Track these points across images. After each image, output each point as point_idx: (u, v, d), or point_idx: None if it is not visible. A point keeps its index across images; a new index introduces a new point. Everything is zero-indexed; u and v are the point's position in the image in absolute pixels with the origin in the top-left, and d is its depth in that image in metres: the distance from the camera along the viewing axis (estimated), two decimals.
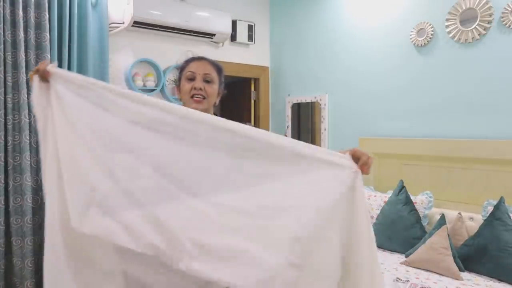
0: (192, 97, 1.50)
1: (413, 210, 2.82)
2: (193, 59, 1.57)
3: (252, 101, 4.63)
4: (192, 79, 1.51)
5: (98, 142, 1.15)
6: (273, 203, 1.11)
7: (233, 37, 4.16)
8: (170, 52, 3.79)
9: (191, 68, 1.53)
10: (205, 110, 1.49)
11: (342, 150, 1.22)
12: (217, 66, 1.59)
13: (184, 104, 1.53)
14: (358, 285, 1.11)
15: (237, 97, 4.78)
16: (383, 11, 3.46)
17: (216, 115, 1.59)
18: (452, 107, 3.02)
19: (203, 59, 1.57)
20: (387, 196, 3.06)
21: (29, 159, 2.92)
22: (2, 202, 2.85)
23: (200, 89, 1.49)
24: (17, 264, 2.89)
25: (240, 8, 4.28)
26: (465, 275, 2.38)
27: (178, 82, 1.60)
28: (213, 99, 1.55)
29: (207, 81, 1.52)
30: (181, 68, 1.58)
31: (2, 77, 2.83)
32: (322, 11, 3.99)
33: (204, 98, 1.50)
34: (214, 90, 1.54)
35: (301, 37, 4.20)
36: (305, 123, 4.32)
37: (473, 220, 2.69)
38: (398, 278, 2.30)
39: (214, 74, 1.55)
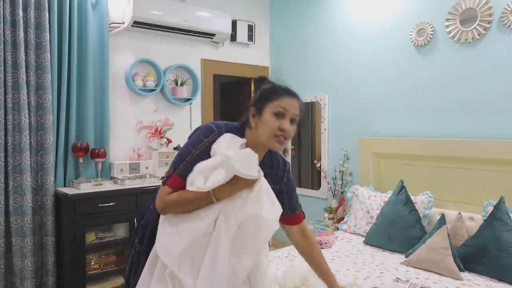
0: (276, 135, 1.39)
1: (413, 210, 2.82)
2: (286, 94, 1.43)
3: None
4: (280, 116, 1.39)
5: None
6: None
7: (233, 37, 4.16)
8: (170, 52, 3.79)
9: (283, 104, 1.39)
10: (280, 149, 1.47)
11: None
12: (302, 105, 1.47)
13: (262, 137, 1.41)
14: None
15: (237, 97, 4.78)
16: (383, 11, 3.46)
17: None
18: (452, 107, 3.02)
19: (295, 96, 1.44)
20: (387, 196, 3.06)
21: (29, 159, 2.92)
22: (2, 202, 2.85)
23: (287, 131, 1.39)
24: (17, 264, 2.89)
25: (240, 8, 4.28)
26: (465, 275, 2.37)
27: (257, 108, 1.42)
28: (291, 139, 1.48)
29: (292, 121, 1.42)
30: (269, 97, 1.42)
31: (2, 77, 2.83)
32: (322, 11, 3.99)
33: (286, 139, 1.41)
34: (295, 130, 1.44)
35: (301, 37, 4.20)
36: (305, 123, 4.32)
37: (473, 220, 2.69)
38: (398, 278, 2.30)
39: (299, 115, 1.44)
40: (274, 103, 1.40)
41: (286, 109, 1.39)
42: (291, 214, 1.64)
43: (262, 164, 1.49)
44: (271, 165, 1.55)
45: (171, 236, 1.32)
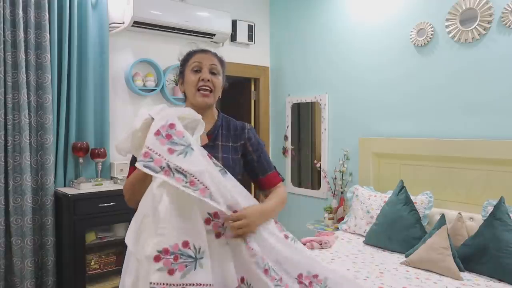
0: (199, 89, 1.47)
1: (413, 210, 2.81)
2: (197, 51, 1.54)
3: (252, 101, 4.63)
4: (198, 70, 1.48)
5: None
6: None
7: (233, 37, 4.17)
8: (170, 52, 3.79)
9: (196, 59, 1.50)
10: (211, 104, 1.52)
11: None
12: (221, 59, 1.58)
13: (189, 97, 1.50)
14: None
15: (237, 97, 4.78)
16: (383, 11, 3.46)
17: (218, 111, 1.61)
18: (452, 107, 3.02)
19: (208, 51, 1.54)
20: (387, 196, 3.05)
21: (29, 159, 2.92)
22: (2, 202, 2.85)
23: (208, 80, 1.47)
24: (17, 264, 2.89)
25: (240, 8, 4.28)
26: (465, 275, 2.37)
27: (181, 75, 1.56)
28: (218, 92, 1.53)
29: (213, 73, 1.50)
30: (185, 60, 1.55)
31: (2, 77, 2.83)
32: (322, 11, 3.99)
33: (211, 91, 1.48)
34: (220, 82, 1.52)
35: (301, 37, 4.20)
36: (305, 123, 4.32)
37: (473, 220, 2.69)
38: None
39: (219, 67, 1.53)
40: (189, 62, 1.51)
41: (201, 61, 1.49)
42: (262, 177, 1.56)
43: (215, 128, 1.52)
44: (227, 127, 1.57)
45: (133, 220, 1.28)
